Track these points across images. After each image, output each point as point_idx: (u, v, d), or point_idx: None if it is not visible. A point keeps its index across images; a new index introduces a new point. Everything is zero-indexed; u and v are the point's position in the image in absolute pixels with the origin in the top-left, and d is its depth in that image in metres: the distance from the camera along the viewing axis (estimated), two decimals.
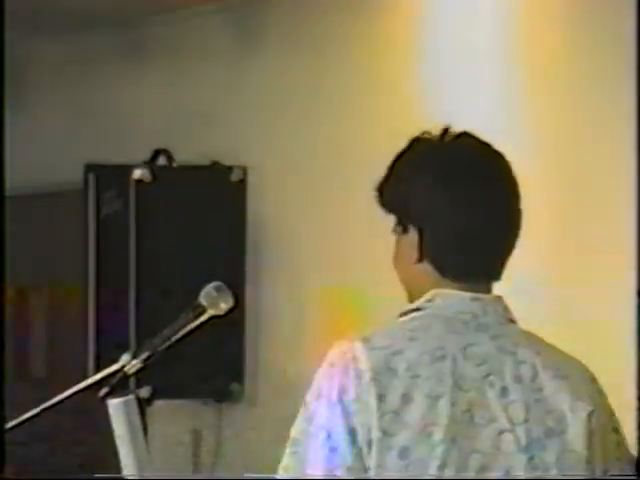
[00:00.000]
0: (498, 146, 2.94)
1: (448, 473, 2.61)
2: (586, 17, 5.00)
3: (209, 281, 3.23)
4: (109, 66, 6.62)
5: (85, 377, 3.33)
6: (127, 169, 5.48)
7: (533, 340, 2.75)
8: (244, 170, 5.62)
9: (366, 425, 2.56)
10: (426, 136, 2.85)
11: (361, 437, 2.59)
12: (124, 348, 3.55)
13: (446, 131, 2.83)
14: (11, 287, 6.88)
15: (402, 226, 2.80)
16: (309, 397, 2.62)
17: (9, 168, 6.12)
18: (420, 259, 2.79)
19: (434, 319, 2.72)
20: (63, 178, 6.20)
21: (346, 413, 2.58)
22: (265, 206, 5.87)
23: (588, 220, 5.00)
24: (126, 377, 3.13)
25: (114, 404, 2.90)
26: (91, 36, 6.62)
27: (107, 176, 5.62)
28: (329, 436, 2.58)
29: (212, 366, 5.80)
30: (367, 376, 2.58)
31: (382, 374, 2.61)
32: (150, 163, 5.60)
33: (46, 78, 7.05)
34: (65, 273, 6.77)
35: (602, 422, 2.79)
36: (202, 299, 3.19)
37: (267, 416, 5.88)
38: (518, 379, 2.72)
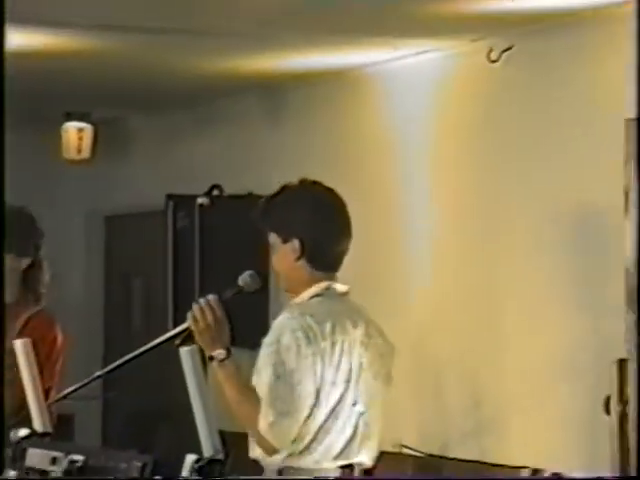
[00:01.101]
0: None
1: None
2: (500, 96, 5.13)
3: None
4: (185, 135, 7.05)
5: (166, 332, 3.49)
6: (193, 198, 6.12)
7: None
8: None
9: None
10: (292, 183, 3.51)
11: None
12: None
13: (305, 180, 3.52)
14: (119, 276, 7.78)
15: (282, 239, 3.44)
16: None
17: (120, 195, 6.99)
18: (299, 259, 3.41)
19: (330, 298, 3.46)
20: (153, 203, 6.59)
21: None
22: None
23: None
24: (191, 333, 3.32)
25: (184, 351, 2.89)
26: (171, 114, 7.07)
27: (180, 202, 6.20)
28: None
29: (250, 325, 5.31)
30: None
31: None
32: (208, 194, 6.19)
33: (145, 137, 7.49)
34: (153, 266, 6.87)
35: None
36: (240, 281, 3.45)
37: None
38: (364, 325, 3.50)
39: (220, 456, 2.82)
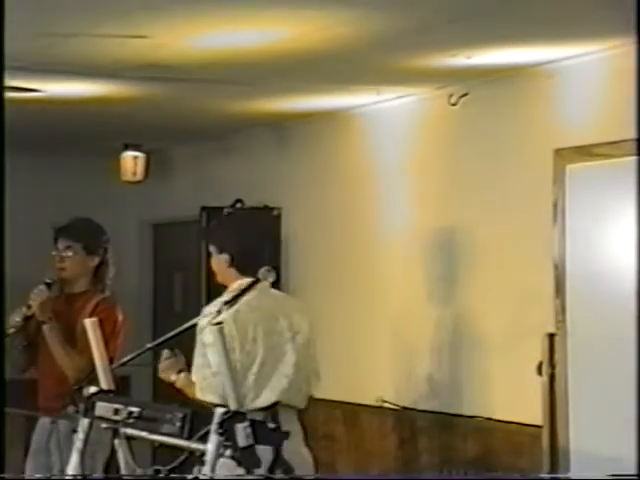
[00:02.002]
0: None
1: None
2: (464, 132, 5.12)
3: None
4: (215, 160, 7.03)
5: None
6: (221, 209, 5.90)
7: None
8: (280, 210, 6.15)
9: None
10: (227, 210, 3.88)
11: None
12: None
13: (236, 203, 3.83)
14: (164, 271, 7.71)
15: (219, 250, 3.65)
16: None
17: (164, 208, 6.93)
18: (229, 266, 3.62)
19: (260, 291, 3.58)
20: (190, 214, 6.47)
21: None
22: (290, 230, 6.15)
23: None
24: (219, 313, 3.38)
25: (215, 328, 2.93)
26: (204, 144, 7.08)
27: (211, 212, 6.04)
28: None
29: None
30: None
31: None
32: (233, 206, 6.14)
33: (184, 163, 7.48)
34: (190, 263, 6.76)
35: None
36: (259, 275, 3.53)
37: None
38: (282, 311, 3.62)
39: (243, 409, 2.86)
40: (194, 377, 3.55)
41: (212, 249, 3.70)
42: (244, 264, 3.63)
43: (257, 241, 3.71)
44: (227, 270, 3.65)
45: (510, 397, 4.73)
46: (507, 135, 4.82)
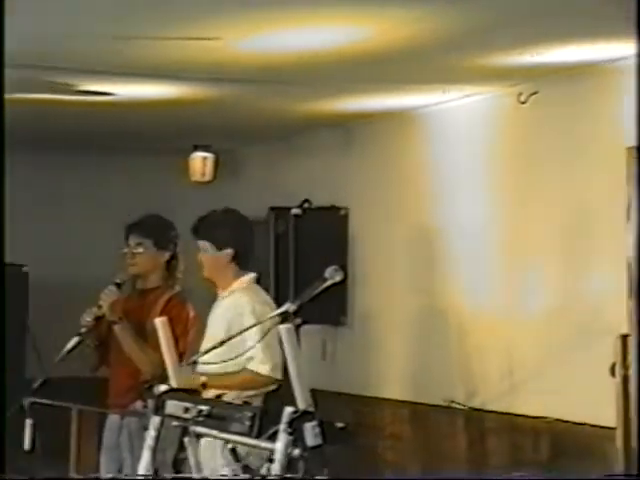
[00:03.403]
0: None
1: None
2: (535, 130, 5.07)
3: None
4: (282, 161, 7.06)
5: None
6: (289, 209, 6.15)
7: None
8: (347, 209, 6.27)
9: None
10: (218, 210, 3.92)
11: None
12: (287, 299, 3.57)
13: (228, 208, 3.92)
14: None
15: (218, 247, 3.81)
16: None
17: (233, 208, 6.51)
18: (231, 261, 3.79)
19: (256, 287, 3.82)
20: (258, 214, 6.15)
21: None
22: (356, 229, 6.29)
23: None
24: (289, 314, 3.20)
25: (284, 328, 2.92)
26: (272, 145, 7.09)
27: (279, 213, 6.21)
28: None
29: (332, 307, 5.92)
30: None
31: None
32: (300, 206, 6.24)
33: (252, 163, 7.51)
34: (259, 262, 6.27)
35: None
36: (326, 273, 3.33)
37: (358, 334, 6.17)
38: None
39: (311, 408, 2.81)
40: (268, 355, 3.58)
41: (205, 246, 3.81)
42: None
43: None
44: (227, 267, 3.77)
45: (583, 398, 4.67)
46: (578, 133, 4.78)
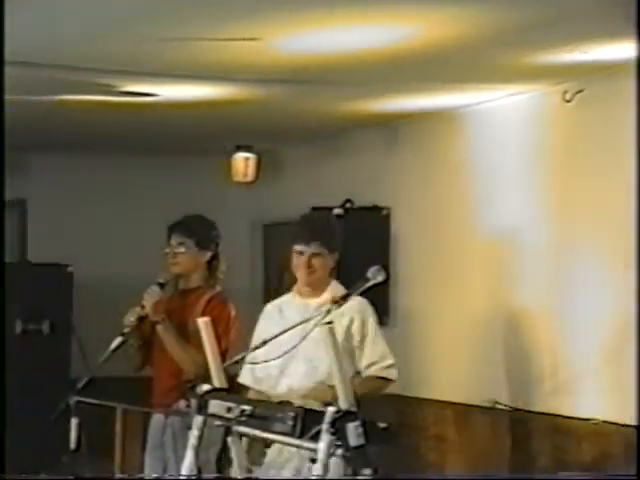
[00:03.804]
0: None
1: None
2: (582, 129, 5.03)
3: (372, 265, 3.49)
4: (325, 160, 7.05)
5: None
6: (331, 209, 6.08)
7: None
8: (389, 209, 6.27)
9: None
10: (316, 212, 3.90)
11: None
12: None
13: (346, 203, 3.89)
14: (274, 269, 7.68)
15: (330, 250, 3.73)
16: None
17: (275, 208, 6.97)
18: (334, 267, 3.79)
19: None
20: (300, 214, 5.84)
21: None
22: (398, 229, 6.29)
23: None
24: (328, 312, 3.31)
25: (325, 328, 2.90)
26: (314, 145, 7.06)
27: (321, 213, 5.83)
28: None
29: (375, 307, 5.70)
30: None
31: None
32: (342, 206, 6.27)
33: (294, 163, 7.49)
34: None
35: None
36: (369, 273, 3.48)
37: (401, 333, 6.00)
38: None
39: (353, 408, 2.79)
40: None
41: (319, 249, 3.71)
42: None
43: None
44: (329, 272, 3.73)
45: (629, 400, 4.61)
46: (624, 131, 4.69)
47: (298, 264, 3.72)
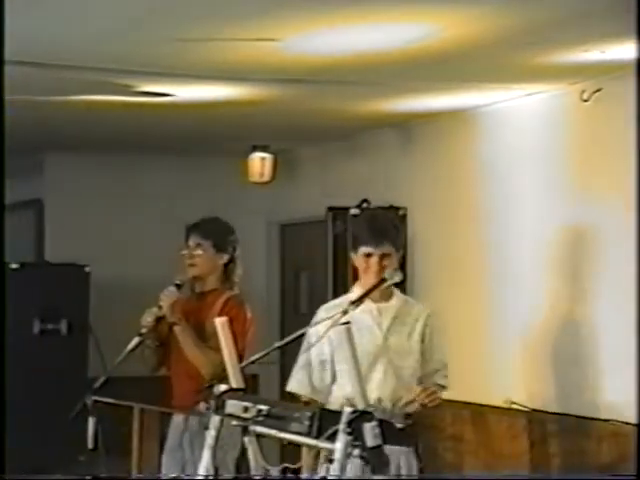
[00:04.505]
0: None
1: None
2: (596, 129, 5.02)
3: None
4: (340, 161, 7.07)
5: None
6: (347, 209, 6.06)
7: None
8: (405, 209, 6.19)
9: None
10: (378, 210, 3.81)
11: None
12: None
13: (363, 203, 3.86)
14: (291, 270, 7.74)
15: (397, 249, 3.65)
16: None
17: (292, 208, 7.00)
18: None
19: None
20: (316, 214, 6.59)
21: None
22: (415, 229, 6.21)
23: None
24: (345, 313, 3.34)
25: (344, 327, 2.98)
26: (330, 145, 7.09)
27: (337, 213, 6.17)
28: None
29: None
30: None
31: None
32: (359, 206, 6.17)
33: (311, 163, 7.50)
34: (316, 263, 6.83)
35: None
36: (386, 274, 3.56)
37: None
38: None
39: (370, 409, 2.79)
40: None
41: (389, 249, 3.60)
42: None
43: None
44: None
45: None
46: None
47: (369, 266, 3.58)
